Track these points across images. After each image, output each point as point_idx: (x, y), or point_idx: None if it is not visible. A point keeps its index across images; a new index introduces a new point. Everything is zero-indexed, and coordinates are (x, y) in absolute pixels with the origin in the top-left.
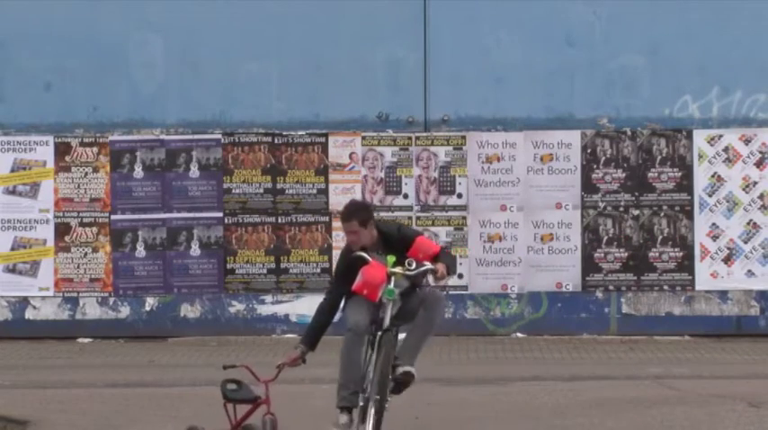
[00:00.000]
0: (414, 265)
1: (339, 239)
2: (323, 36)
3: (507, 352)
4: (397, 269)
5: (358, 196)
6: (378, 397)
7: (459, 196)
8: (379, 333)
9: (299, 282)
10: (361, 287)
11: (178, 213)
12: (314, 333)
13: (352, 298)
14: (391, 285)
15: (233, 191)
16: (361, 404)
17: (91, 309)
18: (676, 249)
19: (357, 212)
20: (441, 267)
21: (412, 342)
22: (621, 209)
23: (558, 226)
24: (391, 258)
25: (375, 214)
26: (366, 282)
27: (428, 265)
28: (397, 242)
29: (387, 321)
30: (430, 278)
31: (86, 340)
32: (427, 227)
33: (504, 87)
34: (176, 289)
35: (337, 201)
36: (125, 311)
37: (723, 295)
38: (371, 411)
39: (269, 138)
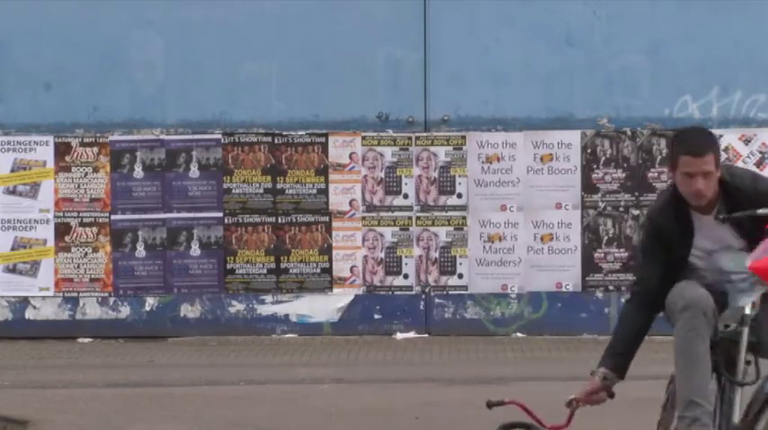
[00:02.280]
0: None
1: (339, 239)
2: (323, 36)
3: (507, 352)
4: None
5: (358, 196)
6: None
7: (459, 196)
8: None
9: (299, 282)
10: None
11: (178, 213)
12: (625, 345)
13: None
14: None
15: (233, 191)
16: None
17: (91, 309)
18: None
19: (713, 143)
20: None
21: None
22: (621, 209)
23: (558, 226)
24: None
25: (375, 214)
26: None
27: None
28: (748, 200)
29: None
30: None
31: (86, 340)
32: (427, 227)
33: (504, 87)
34: (176, 289)
35: (337, 201)
36: (125, 311)
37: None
38: None
39: (269, 138)
